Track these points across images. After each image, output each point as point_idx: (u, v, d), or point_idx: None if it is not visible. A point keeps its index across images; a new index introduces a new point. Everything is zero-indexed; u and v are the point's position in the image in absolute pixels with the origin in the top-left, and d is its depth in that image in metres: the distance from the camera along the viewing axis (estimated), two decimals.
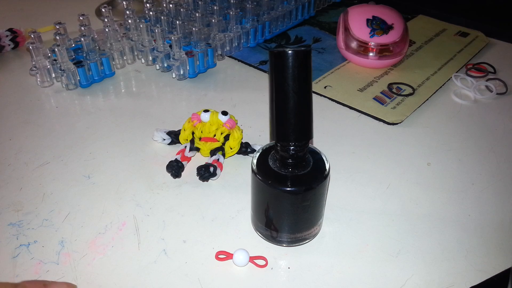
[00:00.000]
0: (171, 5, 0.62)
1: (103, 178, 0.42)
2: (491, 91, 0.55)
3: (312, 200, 0.32)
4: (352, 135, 0.48)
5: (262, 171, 0.32)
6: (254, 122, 0.49)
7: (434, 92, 0.55)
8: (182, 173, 0.42)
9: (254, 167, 0.33)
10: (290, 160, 0.32)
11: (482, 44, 0.66)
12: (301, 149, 0.31)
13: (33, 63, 0.53)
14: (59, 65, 0.53)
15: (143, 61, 0.59)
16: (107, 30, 0.56)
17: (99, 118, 0.50)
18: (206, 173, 0.40)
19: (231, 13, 0.60)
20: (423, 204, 0.40)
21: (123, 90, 0.55)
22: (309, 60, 0.29)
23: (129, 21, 0.59)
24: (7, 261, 0.34)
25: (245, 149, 0.44)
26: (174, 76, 0.56)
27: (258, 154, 0.34)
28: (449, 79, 0.58)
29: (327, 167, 0.33)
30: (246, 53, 0.62)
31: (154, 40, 0.57)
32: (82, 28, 0.56)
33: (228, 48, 0.60)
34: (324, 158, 0.34)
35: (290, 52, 0.28)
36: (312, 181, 0.32)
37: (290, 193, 0.31)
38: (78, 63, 0.53)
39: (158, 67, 0.58)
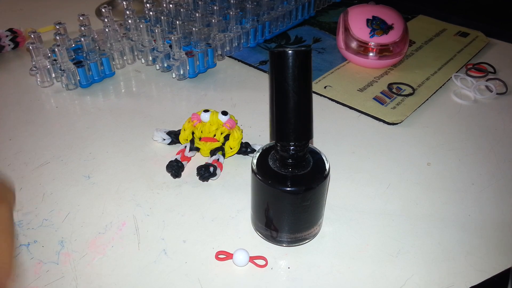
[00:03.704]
0: (171, 5, 0.62)
1: (103, 178, 0.42)
2: (491, 91, 0.55)
3: (312, 200, 0.32)
4: (352, 135, 0.48)
5: (262, 171, 0.32)
6: (254, 122, 0.49)
7: (434, 92, 0.55)
8: (182, 173, 0.42)
9: (254, 167, 0.33)
10: (290, 160, 0.32)
11: (482, 44, 0.66)
12: (301, 149, 0.31)
13: (33, 63, 0.53)
14: (59, 65, 0.53)
15: (143, 61, 0.59)
16: (107, 30, 0.56)
17: (99, 118, 0.50)
18: (206, 173, 0.40)
19: (231, 13, 0.60)
20: (423, 204, 0.40)
21: (123, 90, 0.55)
22: (309, 60, 0.29)
23: (129, 21, 0.59)
24: None
25: (245, 149, 0.44)
26: (174, 76, 0.56)
27: (258, 154, 0.34)
28: (449, 79, 0.58)
29: (327, 167, 0.33)
30: (246, 53, 0.62)
31: (154, 40, 0.57)
32: (82, 28, 0.56)
33: (228, 48, 0.60)
34: (324, 158, 0.34)
35: (290, 52, 0.28)
36: (312, 181, 0.32)
37: (290, 193, 0.31)
38: (78, 63, 0.53)
39: (158, 67, 0.58)
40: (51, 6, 0.77)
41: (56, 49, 0.52)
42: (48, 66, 0.54)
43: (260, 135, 0.48)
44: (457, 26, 0.71)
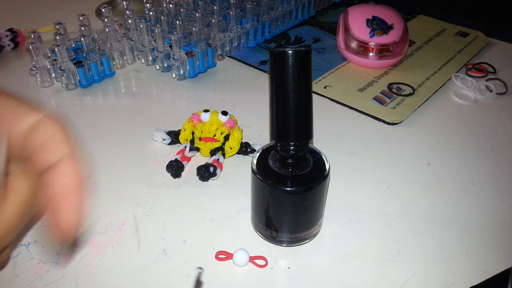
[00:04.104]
0: (171, 5, 0.62)
1: (103, 178, 0.42)
2: (491, 91, 0.55)
3: (312, 200, 0.32)
4: (352, 135, 0.48)
5: (262, 171, 0.32)
6: (254, 122, 0.49)
7: (434, 92, 0.55)
8: (182, 173, 0.42)
9: (254, 167, 0.33)
10: (290, 160, 0.32)
11: (482, 44, 0.66)
12: (301, 149, 0.31)
13: (33, 63, 0.53)
14: (59, 65, 0.53)
15: (143, 61, 0.59)
16: (107, 30, 0.56)
17: (99, 118, 0.50)
18: (206, 173, 0.40)
19: (231, 13, 0.60)
20: (423, 204, 0.40)
21: (123, 90, 0.55)
22: (309, 60, 0.29)
23: (129, 21, 0.59)
24: None
25: (245, 149, 0.44)
26: (174, 76, 0.56)
27: (258, 154, 0.34)
28: (449, 79, 0.58)
29: (327, 167, 0.33)
30: (246, 53, 0.62)
31: (154, 40, 0.57)
32: (82, 28, 0.56)
33: (228, 48, 0.60)
34: (324, 158, 0.34)
35: (290, 52, 0.28)
36: (312, 181, 0.32)
37: (290, 193, 0.31)
38: (78, 63, 0.53)
39: (158, 67, 0.58)
40: (51, 6, 0.77)
41: (56, 49, 0.52)
42: (48, 66, 0.54)
43: (260, 135, 0.48)
44: (457, 26, 0.71)
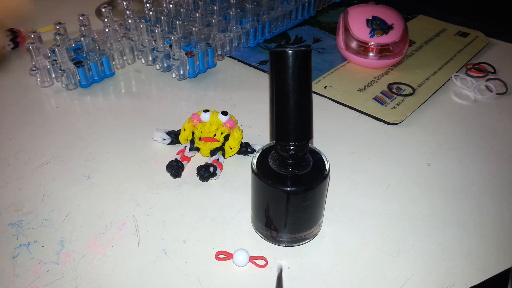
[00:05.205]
0: (171, 5, 0.62)
1: (103, 178, 0.42)
2: (491, 91, 0.55)
3: (312, 200, 0.32)
4: (352, 135, 0.48)
5: (262, 171, 0.32)
6: (254, 122, 0.49)
7: (434, 92, 0.55)
8: (182, 173, 0.42)
9: (254, 167, 0.33)
10: (290, 160, 0.32)
11: (482, 44, 0.66)
12: (301, 149, 0.31)
13: (33, 63, 0.53)
14: (59, 65, 0.53)
15: (143, 61, 0.59)
16: (107, 30, 0.56)
17: (99, 118, 0.50)
18: (206, 173, 0.40)
19: (231, 13, 0.60)
20: (423, 204, 0.40)
21: (123, 90, 0.55)
22: (309, 60, 0.29)
23: (129, 21, 0.59)
24: (7, 261, 0.34)
25: (245, 149, 0.44)
26: (174, 76, 0.56)
27: (258, 154, 0.34)
28: (449, 79, 0.58)
29: (327, 167, 0.33)
30: (246, 53, 0.62)
31: (154, 40, 0.57)
32: (82, 28, 0.56)
33: (228, 48, 0.60)
34: (324, 158, 0.34)
35: (290, 52, 0.28)
36: (312, 181, 0.32)
37: (290, 193, 0.31)
38: (78, 63, 0.53)
39: (158, 67, 0.58)
40: (51, 6, 0.77)
41: (56, 49, 0.52)
42: (48, 66, 0.54)
43: (260, 135, 0.48)
44: (457, 26, 0.71)
